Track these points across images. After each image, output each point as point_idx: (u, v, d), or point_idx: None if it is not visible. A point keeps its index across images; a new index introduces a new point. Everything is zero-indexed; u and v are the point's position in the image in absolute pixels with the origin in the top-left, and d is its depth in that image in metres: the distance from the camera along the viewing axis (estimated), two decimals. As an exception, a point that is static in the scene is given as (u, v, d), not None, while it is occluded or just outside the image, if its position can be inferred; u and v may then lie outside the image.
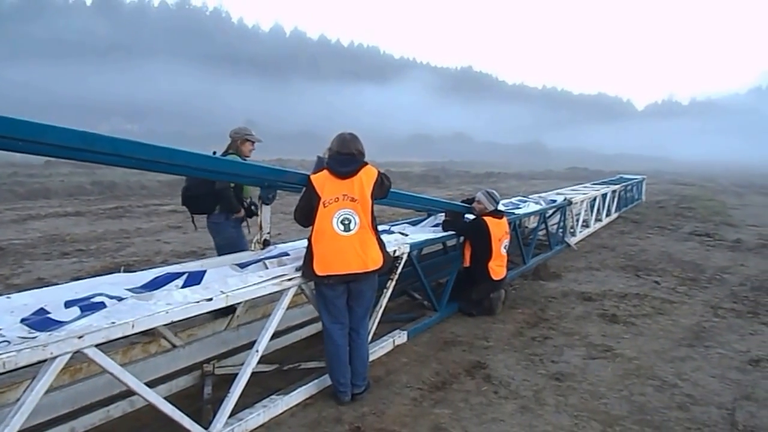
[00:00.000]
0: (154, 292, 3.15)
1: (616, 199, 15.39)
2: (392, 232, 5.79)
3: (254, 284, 3.54)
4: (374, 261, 3.94)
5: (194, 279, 3.59)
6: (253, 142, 5.91)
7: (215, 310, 3.53)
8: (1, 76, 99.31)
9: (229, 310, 4.73)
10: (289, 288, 3.83)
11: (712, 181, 38.37)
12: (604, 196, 13.96)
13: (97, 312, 2.69)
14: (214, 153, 4.80)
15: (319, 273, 3.83)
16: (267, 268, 3.95)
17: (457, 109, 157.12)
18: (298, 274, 3.90)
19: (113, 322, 2.59)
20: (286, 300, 3.83)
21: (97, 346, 2.55)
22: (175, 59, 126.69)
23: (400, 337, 5.32)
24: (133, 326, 2.66)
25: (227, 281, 3.45)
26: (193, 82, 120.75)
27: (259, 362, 4.49)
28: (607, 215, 14.35)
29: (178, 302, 2.97)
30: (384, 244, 4.13)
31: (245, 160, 5.69)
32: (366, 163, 4.06)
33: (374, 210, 4.05)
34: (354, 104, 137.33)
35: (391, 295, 6.57)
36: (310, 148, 6.56)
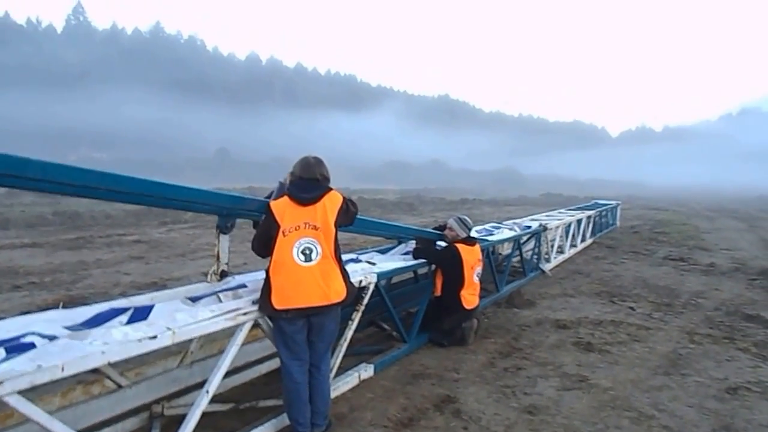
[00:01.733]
0: (92, 330, 2.92)
1: (591, 225, 15.41)
2: (359, 261, 5.63)
3: (205, 320, 3.33)
4: (337, 293, 3.74)
5: (140, 314, 3.34)
6: None
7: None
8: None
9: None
10: (244, 323, 3.62)
11: (685, 205, 38.89)
12: (579, 221, 13.97)
13: (23, 354, 2.47)
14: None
15: (277, 307, 3.62)
16: (221, 301, 3.74)
17: (433, 137, 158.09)
18: (255, 307, 3.70)
19: (39, 366, 2.36)
20: (241, 336, 3.62)
21: (21, 392, 2.33)
22: (148, 87, 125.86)
23: (366, 371, 5.11)
24: (63, 369, 2.44)
25: (175, 317, 3.24)
26: (166, 110, 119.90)
27: (213, 401, 4.31)
28: (582, 241, 14.34)
29: (116, 341, 2.75)
30: (348, 275, 3.94)
31: None
32: (330, 189, 3.89)
33: (338, 238, 3.88)
34: (330, 132, 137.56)
35: (359, 326, 6.43)
36: (283, 176, 6.37)
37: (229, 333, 3.70)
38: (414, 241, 6.63)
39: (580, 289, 9.30)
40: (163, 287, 7.22)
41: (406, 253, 6.48)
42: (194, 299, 3.78)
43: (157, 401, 4.05)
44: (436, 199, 39.60)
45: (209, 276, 4.49)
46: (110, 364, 3.59)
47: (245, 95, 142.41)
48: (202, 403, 3.27)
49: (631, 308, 8.06)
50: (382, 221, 6.31)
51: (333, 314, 3.81)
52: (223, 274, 4.45)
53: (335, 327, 3.92)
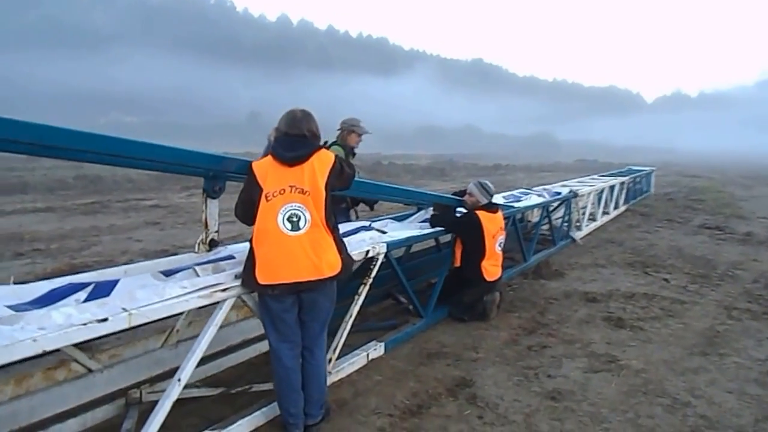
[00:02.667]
0: (32, 311, 2.50)
1: (624, 192, 14.65)
2: (370, 229, 5.14)
3: (172, 298, 2.87)
4: (330, 265, 3.23)
5: (102, 291, 2.92)
6: (359, 134, 5.87)
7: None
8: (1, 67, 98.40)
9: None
10: (224, 300, 3.16)
11: (721, 172, 37.37)
12: (611, 188, 13.25)
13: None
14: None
15: (262, 282, 3.14)
16: (198, 275, 3.29)
17: (466, 101, 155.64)
18: (237, 282, 3.24)
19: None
20: (220, 315, 3.14)
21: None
22: (177, 49, 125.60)
23: (376, 349, 4.67)
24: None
25: (135, 295, 2.78)
26: (196, 73, 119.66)
27: (203, 385, 3.96)
28: (615, 208, 13.63)
29: (56, 325, 2.31)
30: (344, 245, 3.44)
31: (352, 151, 5.90)
32: (320, 147, 3.35)
33: (331, 203, 3.36)
34: (361, 95, 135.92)
35: (373, 299, 6.01)
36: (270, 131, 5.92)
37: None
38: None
39: (611, 259, 8.70)
40: (174, 255, 6.87)
41: (425, 221, 5.98)
42: (168, 273, 3.32)
43: (135, 386, 3.63)
44: (468, 164, 38.75)
45: (197, 245, 4.04)
46: (77, 346, 3.23)
47: (276, 58, 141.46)
48: (172, 394, 2.83)
49: (666, 280, 7.46)
50: (393, 185, 5.82)
51: (326, 290, 3.32)
52: (213, 244, 4.00)
53: (330, 304, 3.42)
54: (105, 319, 2.52)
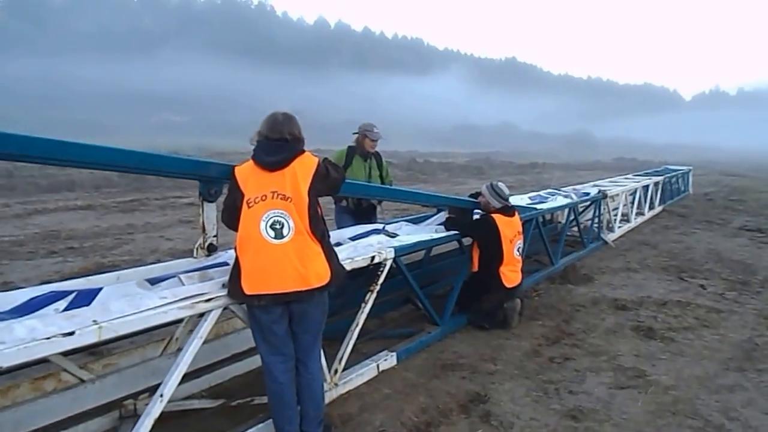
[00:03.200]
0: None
1: (659, 192, 14.08)
2: (379, 232, 4.90)
3: (149, 309, 2.67)
4: (318, 275, 3.02)
5: (82, 300, 2.77)
6: (373, 139, 5.94)
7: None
8: (54, 69, 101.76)
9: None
10: (208, 311, 2.97)
11: (763, 171, 36.00)
12: (645, 188, 12.73)
13: None
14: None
15: (248, 292, 2.94)
16: (183, 284, 3.09)
17: (501, 100, 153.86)
18: (223, 292, 3.04)
19: None
20: (206, 327, 2.96)
21: None
22: (221, 52, 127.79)
23: (388, 360, 4.42)
24: None
25: (109, 306, 2.60)
26: (238, 74, 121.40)
27: (202, 397, 3.77)
28: (650, 209, 13.10)
29: (17, 339, 2.13)
30: (333, 254, 3.22)
31: (366, 155, 5.98)
32: (303, 151, 3.14)
33: (319, 209, 3.15)
34: (397, 95, 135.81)
35: (392, 303, 5.78)
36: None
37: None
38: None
39: (645, 263, 8.28)
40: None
41: (443, 224, 5.71)
42: (154, 281, 3.14)
43: (130, 397, 3.45)
44: (505, 162, 38.18)
45: (195, 250, 3.85)
46: (65, 355, 3.06)
47: (314, 59, 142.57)
48: (153, 411, 2.64)
49: (702, 286, 7.03)
50: (402, 189, 5.60)
51: (317, 300, 3.10)
52: (211, 248, 3.80)
53: (322, 315, 3.21)
54: (71, 333, 2.37)
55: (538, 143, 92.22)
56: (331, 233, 5.03)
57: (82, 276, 3.77)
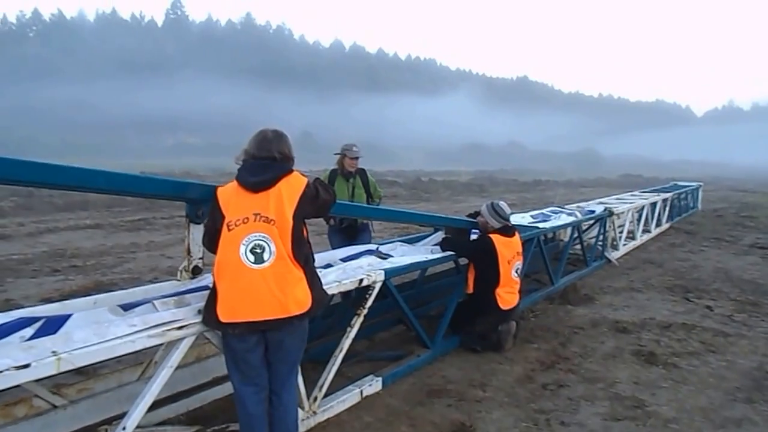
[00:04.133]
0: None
1: (667, 208, 13.71)
2: (372, 253, 4.65)
3: (114, 339, 2.48)
4: (297, 303, 2.77)
5: (51, 327, 2.58)
6: (352, 158, 5.97)
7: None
8: (80, 95, 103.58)
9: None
10: (180, 339, 2.76)
11: (776, 187, 35.32)
12: (653, 204, 12.37)
13: None
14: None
15: (223, 319, 2.72)
16: (157, 310, 2.86)
17: (511, 119, 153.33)
18: (198, 319, 2.82)
19: None
20: (177, 356, 2.77)
21: None
22: (239, 75, 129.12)
23: (372, 385, 4.14)
24: None
25: (72, 335, 2.41)
26: (254, 97, 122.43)
27: (176, 423, 3.56)
28: (657, 226, 12.73)
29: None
30: (316, 280, 2.97)
31: (348, 174, 5.97)
32: (291, 171, 2.91)
33: (304, 232, 2.92)
34: (409, 115, 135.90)
35: (385, 324, 5.52)
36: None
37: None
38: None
39: (649, 282, 7.94)
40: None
41: (439, 244, 5.45)
42: (127, 307, 2.92)
43: (104, 423, 3.24)
44: (508, 180, 37.81)
45: (179, 273, 3.66)
46: (37, 381, 2.86)
47: (329, 81, 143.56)
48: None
49: (708, 307, 6.68)
50: (399, 210, 5.37)
51: (294, 329, 2.85)
52: (196, 271, 3.61)
53: (299, 344, 2.96)
54: (26, 365, 2.20)
55: (545, 162, 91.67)
56: (323, 254, 4.88)
57: (80, 295, 3.62)
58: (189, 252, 3.60)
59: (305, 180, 2.91)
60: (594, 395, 4.20)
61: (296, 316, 2.77)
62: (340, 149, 6.08)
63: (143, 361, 3.74)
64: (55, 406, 3.13)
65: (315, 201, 2.93)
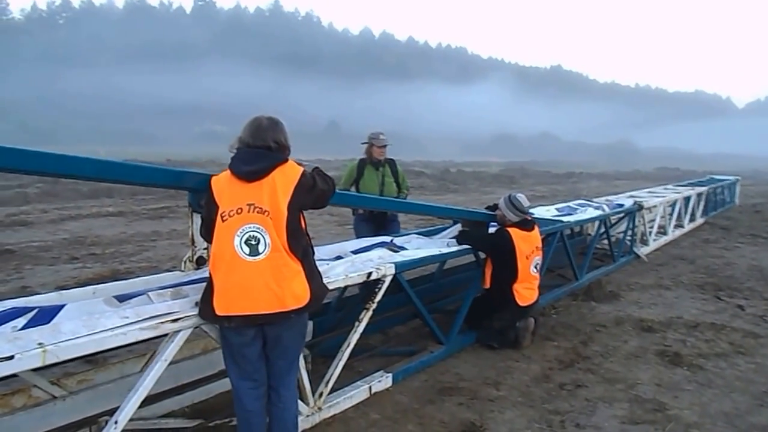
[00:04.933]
0: None
1: (702, 203, 13.35)
2: (384, 246, 4.59)
3: (104, 331, 2.46)
4: (295, 297, 2.72)
5: (43, 317, 2.57)
6: (379, 146, 5.97)
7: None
8: (108, 82, 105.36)
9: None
10: (175, 332, 2.73)
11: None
12: (686, 199, 12.05)
13: None
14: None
15: (219, 312, 2.68)
16: (152, 302, 2.84)
17: (544, 109, 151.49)
18: (194, 311, 2.79)
19: None
20: (172, 349, 2.74)
21: None
22: (267, 63, 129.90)
23: (382, 381, 4.09)
24: None
25: (60, 327, 2.39)
26: (282, 84, 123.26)
27: (184, 413, 3.56)
28: (691, 221, 12.41)
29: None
30: (315, 273, 2.91)
31: (377, 163, 5.99)
32: (286, 160, 2.84)
33: (302, 223, 2.86)
34: (439, 104, 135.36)
35: (401, 318, 5.46)
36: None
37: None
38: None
39: (679, 279, 7.73)
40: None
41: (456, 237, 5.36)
42: (122, 298, 2.90)
43: (104, 414, 3.24)
44: (540, 172, 37.32)
45: (183, 263, 3.66)
46: (35, 371, 2.89)
47: (358, 69, 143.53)
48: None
49: (740, 307, 6.47)
50: (414, 202, 5.33)
51: (293, 324, 2.80)
52: (201, 261, 3.61)
53: (299, 339, 2.93)
54: (10, 357, 2.18)
55: (578, 153, 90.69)
56: (333, 246, 4.84)
57: (98, 282, 3.63)
58: (193, 242, 3.60)
59: (301, 169, 2.84)
60: (613, 396, 4.09)
61: (294, 310, 2.73)
62: (367, 138, 6.08)
63: (146, 352, 3.73)
64: (54, 397, 3.12)
65: (312, 191, 2.86)
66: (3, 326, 2.50)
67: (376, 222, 5.97)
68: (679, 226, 11.62)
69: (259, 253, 2.66)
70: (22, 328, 2.47)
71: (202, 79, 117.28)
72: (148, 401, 3.39)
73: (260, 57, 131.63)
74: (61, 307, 2.72)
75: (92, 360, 3.79)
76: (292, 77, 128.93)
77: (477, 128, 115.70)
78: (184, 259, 3.62)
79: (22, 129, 75.19)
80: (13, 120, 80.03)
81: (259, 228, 2.66)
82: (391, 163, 6.15)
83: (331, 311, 4.91)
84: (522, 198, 5.04)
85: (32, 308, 2.68)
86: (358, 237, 5.62)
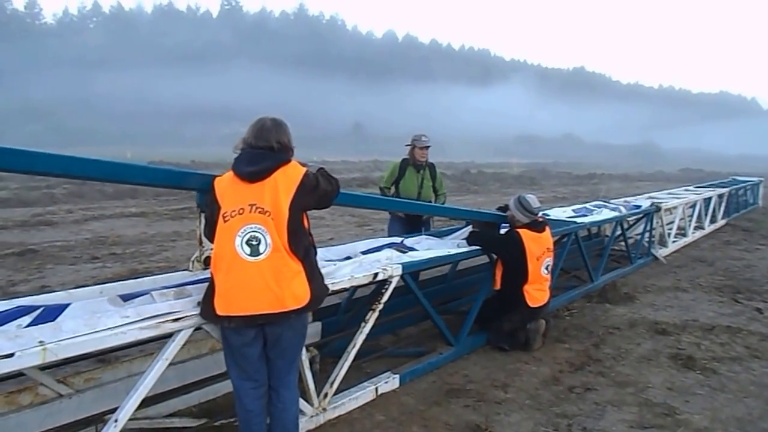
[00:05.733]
0: None
1: (723, 204, 13.07)
2: (393, 246, 4.56)
3: (104, 330, 2.47)
4: (295, 297, 2.70)
5: (48, 315, 2.60)
6: (421, 147, 6.04)
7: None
8: (139, 84, 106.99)
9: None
10: (177, 332, 2.74)
11: None
12: (707, 200, 11.81)
13: None
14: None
15: (219, 312, 2.68)
16: (154, 301, 2.84)
17: (567, 110, 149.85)
18: (195, 311, 2.79)
19: None
20: (173, 349, 2.74)
21: None
22: (291, 65, 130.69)
23: (389, 382, 4.05)
24: None
25: (62, 326, 2.42)
26: (307, 87, 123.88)
27: (182, 415, 3.56)
28: (712, 222, 12.16)
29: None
30: (316, 273, 2.90)
31: (419, 166, 6.10)
32: (288, 161, 2.83)
33: (304, 223, 2.85)
34: (462, 106, 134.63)
35: (413, 319, 5.40)
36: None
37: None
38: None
39: (696, 282, 7.56)
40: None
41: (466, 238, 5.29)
42: (127, 297, 2.91)
43: (110, 412, 3.23)
44: (562, 173, 36.90)
45: (191, 263, 3.65)
46: (41, 369, 2.91)
47: (382, 71, 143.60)
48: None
49: (758, 310, 6.30)
50: (417, 202, 5.28)
51: (293, 324, 2.79)
52: (208, 262, 3.58)
53: (299, 339, 2.92)
54: (10, 355, 2.20)
55: (601, 154, 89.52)
56: (344, 246, 4.81)
57: (118, 280, 3.66)
58: (201, 242, 3.58)
59: (303, 170, 2.83)
60: (623, 400, 4.00)
61: (294, 310, 2.72)
62: (411, 140, 6.15)
63: (154, 351, 3.74)
64: (60, 395, 3.13)
65: (314, 192, 2.85)
66: (9, 324, 2.53)
67: (410, 221, 6.07)
68: (699, 227, 11.40)
69: (259, 254, 2.65)
70: (27, 326, 2.50)
71: (229, 81, 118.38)
72: (155, 400, 3.43)
73: (286, 59, 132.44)
74: (67, 305, 2.75)
75: (104, 359, 3.85)
76: (317, 79, 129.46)
77: (499, 129, 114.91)
78: (192, 259, 3.61)
79: (55, 131, 76.65)
80: (47, 122, 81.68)
81: (260, 228, 2.66)
82: (431, 166, 6.25)
83: (340, 312, 4.88)
84: (532, 199, 4.97)
85: (38, 307, 2.72)
86: (389, 234, 5.87)
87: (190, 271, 3.62)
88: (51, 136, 68.12)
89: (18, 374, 2.67)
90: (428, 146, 6.08)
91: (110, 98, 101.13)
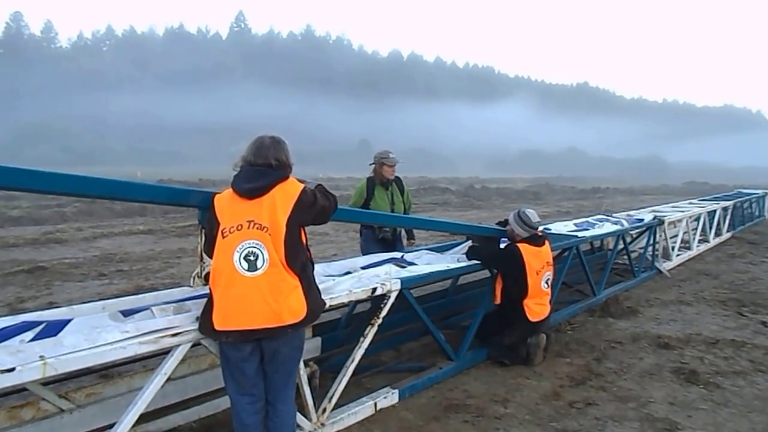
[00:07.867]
0: None
1: (728, 217, 12.96)
2: (390, 261, 4.53)
3: (104, 345, 2.47)
4: (292, 312, 2.70)
5: (51, 331, 2.63)
6: (390, 165, 5.82)
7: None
8: (148, 105, 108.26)
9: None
10: (175, 347, 2.72)
11: None
12: (711, 213, 11.70)
13: None
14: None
15: (217, 327, 2.68)
16: (154, 317, 2.84)
17: (571, 126, 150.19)
18: (194, 326, 2.78)
19: None
20: (171, 363, 2.73)
21: None
22: (300, 85, 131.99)
23: (388, 397, 4.00)
24: None
25: (63, 340, 2.43)
26: (314, 105, 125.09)
27: (185, 430, 3.54)
28: (717, 235, 12.04)
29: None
30: (313, 288, 2.89)
31: (387, 183, 5.86)
32: (286, 177, 2.83)
33: (302, 239, 2.84)
34: (466, 122, 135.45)
35: (414, 334, 5.34)
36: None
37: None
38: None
39: (701, 295, 7.46)
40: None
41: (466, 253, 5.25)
42: (127, 313, 2.91)
43: (109, 427, 3.21)
44: (566, 187, 36.87)
45: (192, 279, 3.64)
46: (43, 384, 2.91)
47: (387, 90, 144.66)
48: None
49: (763, 323, 6.20)
50: (425, 218, 5.27)
51: (289, 338, 2.78)
52: (209, 278, 3.58)
53: (295, 354, 2.89)
54: (11, 369, 2.21)
55: (606, 168, 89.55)
56: (344, 261, 4.79)
57: (124, 295, 3.68)
58: (202, 258, 3.56)
59: (301, 186, 2.84)
60: (624, 415, 3.93)
61: (290, 325, 2.71)
62: (374, 158, 5.93)
63: (155, 366, 3.72)
64: (62, 410, 3.11)
65: (312, 208, 2.85)
66: (12, 339, 2.56)
67: (382, 240, 5.85)
68: (703, 240, 11.29)
69: (257, 269, 2.66)
70: (30, 341, 2.52)
71: (237, 101, 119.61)
72: (155, 415, 3.41)
73: (294, 79, 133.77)
74: (69, 321, 2.77)
75: (106, 374, 3.83)
76: (324, 98, 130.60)
77: (504, 145, 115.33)
78: (193, 275, 3.60)
79: (68, 151, 77.56)
80: (60, 142, 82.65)
81: (258, 244, 2.66)
82: (398, 181, 6.05)
83: (340, 327, 4.84)
84: (531, 213, 4.93)
85: (41, 322, 2.76)
86: (363, 253, 5.57)
87: (191, 286, 3.61)
88: (63, 156, 68.95)
89: (21, 389, 2.68)
90: (396, 163, 5.86)
91: (122, 119, 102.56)
